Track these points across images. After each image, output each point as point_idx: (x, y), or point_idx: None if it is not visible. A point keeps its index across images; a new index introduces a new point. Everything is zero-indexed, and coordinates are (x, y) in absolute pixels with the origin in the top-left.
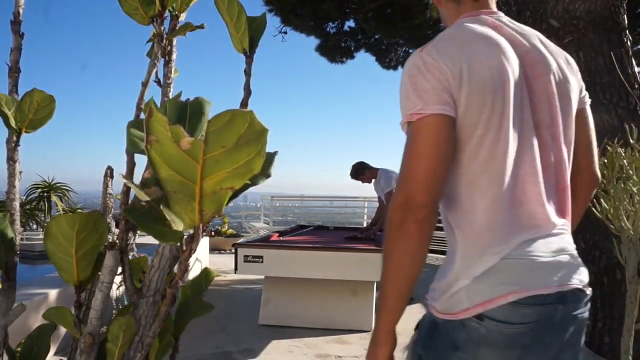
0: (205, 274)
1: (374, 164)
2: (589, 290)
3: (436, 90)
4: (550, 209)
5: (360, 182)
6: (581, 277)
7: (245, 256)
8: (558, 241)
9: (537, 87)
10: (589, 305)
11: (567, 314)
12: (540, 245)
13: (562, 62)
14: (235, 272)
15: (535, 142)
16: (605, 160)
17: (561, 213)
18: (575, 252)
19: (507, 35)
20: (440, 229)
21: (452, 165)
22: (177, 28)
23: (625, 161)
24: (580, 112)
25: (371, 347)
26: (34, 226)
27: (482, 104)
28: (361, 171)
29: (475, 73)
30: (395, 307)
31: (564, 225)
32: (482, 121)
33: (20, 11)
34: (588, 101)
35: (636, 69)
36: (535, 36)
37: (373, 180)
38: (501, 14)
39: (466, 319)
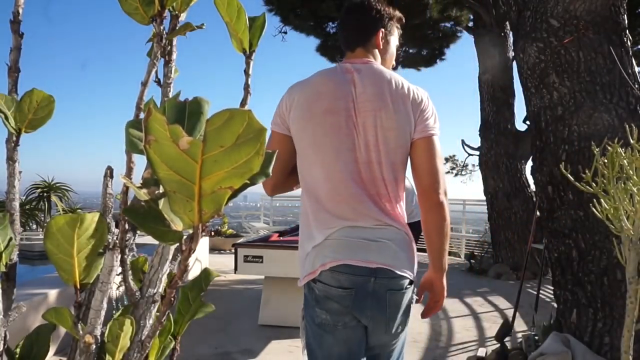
0: (205, 274)
1: None
2: (400, 272)
3: (277, 115)
4: (370, 208)
5: None
6: (393, 262)
7: (245, 256)
8: (373, 232)
9: (360, 120)
10: (406, 285)
11: (380, 286)
12: (355, 231)
13: (391, 102)
14: (235, 272)
15: (350, 159)
16: (605, 160)
17: (384, 213)
18: (391, 244)
19: (353, 79)
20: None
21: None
22: (177, 28)
23: (625, 161)
24: (420, 141)
25: None
26: (34, 226)
27: (299, 128)
28: None
29: (298, 105)
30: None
31: (384, 223)
32: (300, 139)
33: (20, 11)
34: (435, 133)
35: (636, 69)
36: (383, 81)
37: None
38: (371, 62)
39: (309, 283)
